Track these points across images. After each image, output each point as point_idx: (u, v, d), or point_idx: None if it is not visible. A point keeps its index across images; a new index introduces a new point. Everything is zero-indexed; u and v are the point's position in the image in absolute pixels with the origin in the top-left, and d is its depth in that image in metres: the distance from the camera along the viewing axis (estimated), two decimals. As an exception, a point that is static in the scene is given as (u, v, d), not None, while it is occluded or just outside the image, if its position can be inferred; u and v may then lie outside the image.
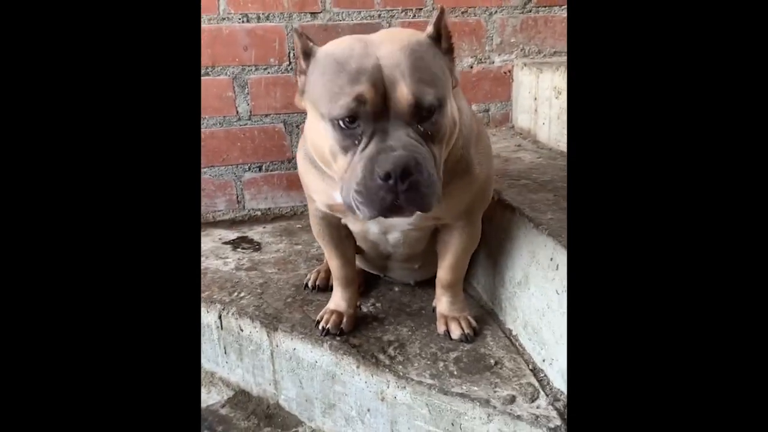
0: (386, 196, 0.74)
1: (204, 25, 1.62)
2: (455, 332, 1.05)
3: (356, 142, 0.76)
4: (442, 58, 0.81)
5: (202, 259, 1.51)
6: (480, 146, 0.95)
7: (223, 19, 1.63)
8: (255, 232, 1.70)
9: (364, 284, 1.28)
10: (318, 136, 0.82)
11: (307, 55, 0.84)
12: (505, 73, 1.82)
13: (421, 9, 1.72)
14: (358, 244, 1.11)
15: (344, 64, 0.77)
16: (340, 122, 0.76)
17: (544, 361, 0.95)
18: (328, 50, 0.82)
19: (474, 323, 1.07)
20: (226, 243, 1.62)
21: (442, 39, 0.82)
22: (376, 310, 1.19)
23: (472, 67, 1.79)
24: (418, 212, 0.84)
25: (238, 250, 1.57)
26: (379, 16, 1.70)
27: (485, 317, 1.14)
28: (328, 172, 0.87)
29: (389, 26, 1.71)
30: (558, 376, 0.91)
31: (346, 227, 1.07)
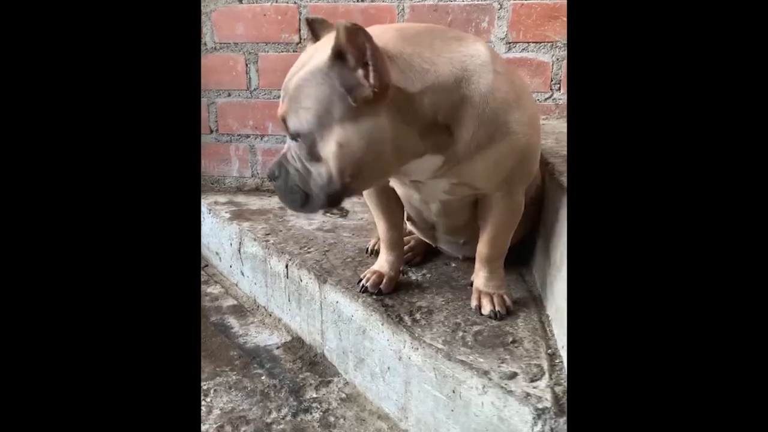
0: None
1: (323, 4, 1.74)
2: (486, 308, 1.02)
3: None
4: (340, 78, 0.77)
5: (292, 218, 1.64)
6: (520, 113, 0.91)
7: (340, -2, 1.74)
8: (349, 202, 1.78)
9: (422, 255, 1.29)
10: None
11: None
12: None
13: (536, -10, 1.66)
14: (406, 210, 1.13)
15: None
16: None
17: (563, 347, 0.89)
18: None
19: (508, 302, 1.04)
20: (319, 207, 1.73)
21: (347, 56, 0.76)
22: (423, 279, 1.20)
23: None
24: (453, 180, 0.92)
25: (327, 214, 1.67)
26: (491, -3, 1.68)
27: (528, 301, 1.09)
28: None
29: (501, 7, 1.68)
30: (572, 363, 0.85)
31: (394, 191, 1.10)
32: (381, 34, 0.80)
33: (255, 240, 1.50)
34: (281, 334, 1.39)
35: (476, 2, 1.69)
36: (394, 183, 1.07)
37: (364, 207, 1.72)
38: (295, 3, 1.76)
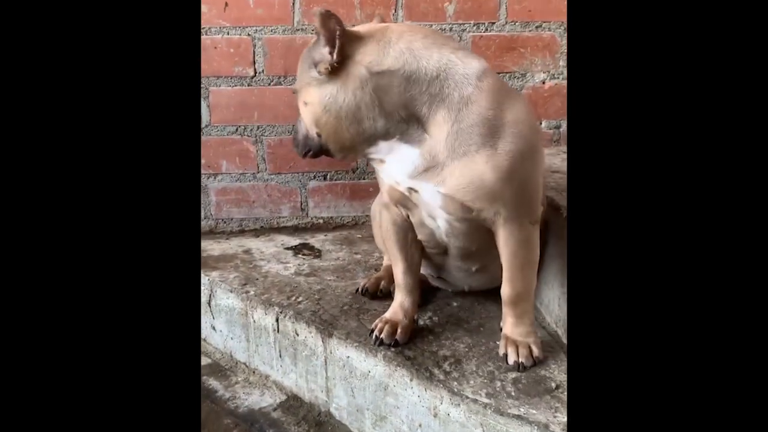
0: None
1: (278, 36, 1.67)
2: (511, 357, 0.99)
3: None
4: (313, 53, 0.95)
5: (264, 263, 1.54)
6: (504, 132, 0.91)
7: (297, 30, 1.67)
8: (317, 240, 1.71)
9: (420, 296, 1.25)
10: None
11: None
12: (578, 89, 1.76)
13: (494, 23, 1.69)
14: (418, 235, 1.08)
15: None
16: None
17: (609, 388, 0.89)
18: None
19: (537, 353, 1.00)
20: (287, 248, 1.64)
21: (320, 37, 0.93)
22: (432, 324, 1.16)
23: (544, 83, 1.75)
24: (441, 189, 0.94)
25: (299, 256, 1.59)
26: (451, 29, 1.69)
27: (545, 338, 1.08)
28: None
29: (460, 39, 1.70)
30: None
31: (413, 231, 1.06)
32: (387, 24, 1.01)
33: (231, 291, 1.38)
34: (273, 393, 1.28)
35: (437, 34, 1.69)
36: (409, 211, 1.03)
37: (335, 245, 1.66)
38: (248, 36, 1.67)
